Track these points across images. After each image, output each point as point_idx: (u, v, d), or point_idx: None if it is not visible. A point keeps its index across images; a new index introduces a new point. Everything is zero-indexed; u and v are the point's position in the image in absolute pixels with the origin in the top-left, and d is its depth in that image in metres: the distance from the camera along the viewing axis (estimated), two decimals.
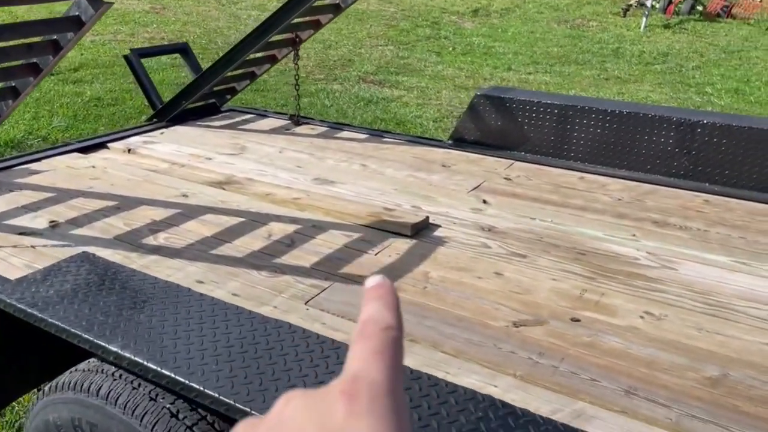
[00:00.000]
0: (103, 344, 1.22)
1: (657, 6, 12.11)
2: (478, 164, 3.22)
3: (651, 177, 2.98)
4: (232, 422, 1.32)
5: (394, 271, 2.16)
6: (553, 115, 3.20)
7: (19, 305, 1.38)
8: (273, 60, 3.82)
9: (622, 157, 3.07)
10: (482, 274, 2.15)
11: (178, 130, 3.72)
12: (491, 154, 3.33)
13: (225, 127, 3.79)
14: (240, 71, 3.81)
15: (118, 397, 1.30)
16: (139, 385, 1.32)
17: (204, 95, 3.79)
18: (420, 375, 1.16)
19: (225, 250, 2.28)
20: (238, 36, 10.15)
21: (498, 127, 3.35)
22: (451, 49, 10.01)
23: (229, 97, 4.08)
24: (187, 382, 1.12)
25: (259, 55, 3.70)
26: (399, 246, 2.35)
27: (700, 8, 12.30)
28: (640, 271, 2.18)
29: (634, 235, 2.45)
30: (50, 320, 1.32)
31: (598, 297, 2.02)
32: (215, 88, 3.80)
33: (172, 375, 1.15)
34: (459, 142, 3.48)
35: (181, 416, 1.25)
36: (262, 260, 2.22)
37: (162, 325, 1.30)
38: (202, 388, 1.10)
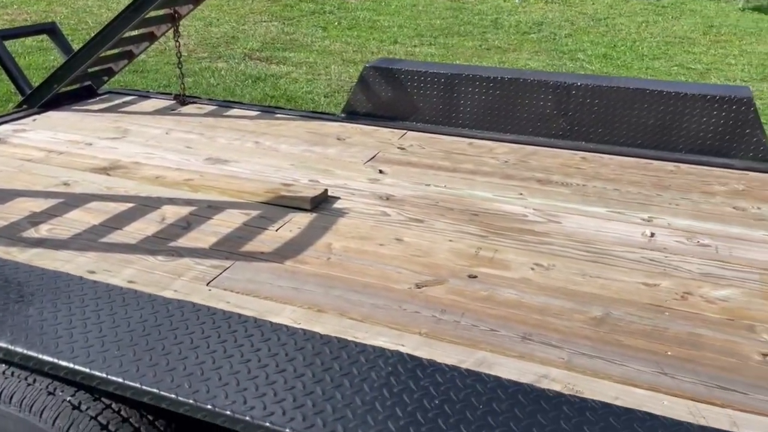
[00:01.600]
0: None
1: None
2: (372, 135, 3.26)
3: (533, 139, 3.15)
4: (142, 407, 1.28)
5: (295, 245, 2.17)
6: (440, 84, 3.29)
7: None
8: (152, 37, 3.64)
9: (506, 122, 3.21)
10: (383, 241, 2.20)
11: (52, 116, 3.48)
12: (384, 125, 3.38)
13: (104, 111, 3.59)
14: (116, 50, 3.61)
15: (12, 396, 1.23)
16: (35, 380, 1.25)
17: (78, 77, 3.55)
18: (330, 339, 1.19)
19: (116, 237, 2.18)
20: (110, 14, 9.54)
21: (389, 98, 3.40)
22: (336, 23, 9.95)
23: (106, 78, 3.85)
24: (88, 370, 1.08)
25: (136, 32, 3.52)
26: (299, 220, 2.35)
27: None
28: (529, 227, 2.31)
29: (521, 194, 2.59)
30: None
31: (491, 254, 2.12)
32: (90, 70, 3.58)
33: (71, 365, 1.10)
34: (352, 114, 3.50)
35: (83, 407, 1.21)
36: (157, 245, 2.14)
37: (55, 316, 1.23)
38: (105, 375, 1.07)
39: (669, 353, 1.63)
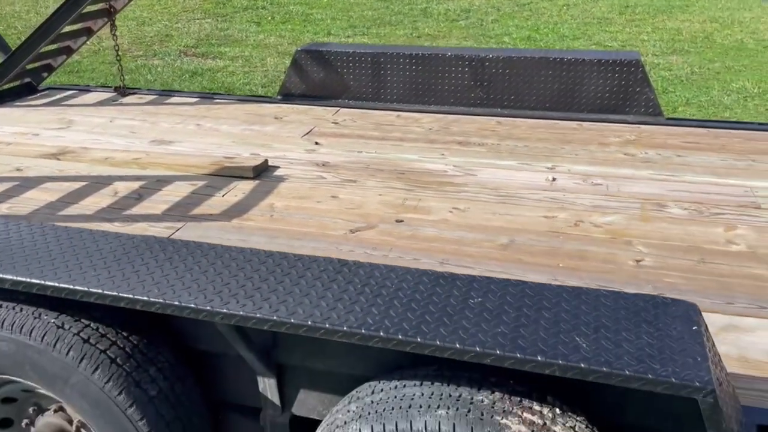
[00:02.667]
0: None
1: None
2: (307, 114, 3.51)
3: (454, 108, 3.46)
4: (116, 323, 1.52)
5: (241, 207, 2.41)
6: (368, 63, 3.56)
7: None
8: (89, 32, 3.79)
9: (429, 95, 3.51)
10: (320, 199, 2.47)
11: None
12: (318, 104, 3.64)
13: (47, 105, 3.72)
14: (55, 46, 3.74)
15: (2, 321, 1.44)
16: (21, 309, 1.46)
17: (18, 74, 3.66)
18: (272, 253, 1.44)
19: (72, 211, 2.37)
20: (39, 18, 9.42)
21: (321, 79, 3.65)
22: (270, 18, 10.10)
23: (45, 75, 3.96)
24: (71, 287, 1.31)
25: (74, 27, 3.65)
26: (243, 187, 2.59)
27: None
28: (448, 180, 2.62)
29: (442, 155, 2.89)
30: None
31: (416, 203, 2.42)
32: (29, 66, 3.69)
33: (55, 284, 1.32)
34: (287, 96, 3.74)
35: (66, 326, 1.43)
36: (112, 214, 2.35)
37: (50, 254, 1.45)
38: (86, 288, 1.30)
39: (561, 265, 1.96)
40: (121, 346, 1.47)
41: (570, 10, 10.83)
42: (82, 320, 1.47)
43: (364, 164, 2.81)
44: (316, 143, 3.07)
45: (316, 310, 1.26)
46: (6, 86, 3.68)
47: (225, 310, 1.25)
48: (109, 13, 3.67)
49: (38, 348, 1.42)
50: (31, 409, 1.65)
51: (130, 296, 1.28)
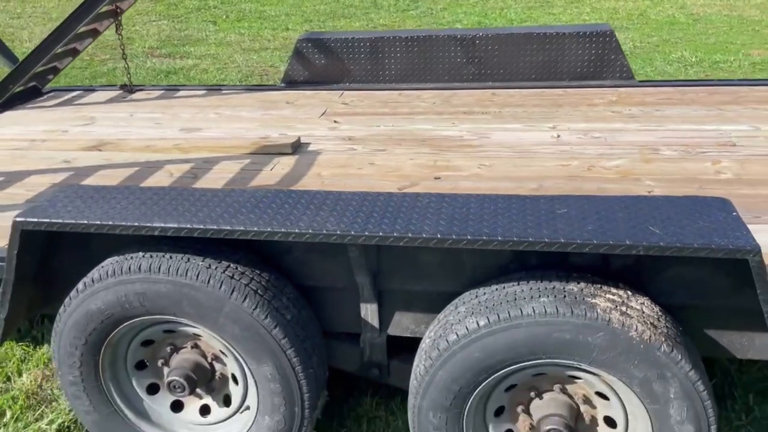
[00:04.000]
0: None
1: None
2: (315, 98, 3.78)
3: (450, 84, 3.80)
4: (251, 264, 1.79)
5: (292, 178, 2.68)
6: (366, 48, 3.86)
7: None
8: (95, 33, 3.93)
9: (426, 74, 3.84)
10: (360, 166, 2.76)
11: (10, 115, 3.70)
12: (322, 89, 3.91)
13: (59, 105, 3.85)
14: (62, 49, 3.87)
15: (159, 267, 1.68)
16: (171, 257, 1.71)
17: (28, 78, 3.78)
18: (387, 193, 1.76)
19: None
20: (36, 30, 9.24)
21: (323, 65, 3.92)
22: (224, 17, 10.19)
23: (51, 77, 4.09)
24: (215, 227, 1.58)
25: (82, 29, 3.80)
26: (286, 162, 2.85)
27: None
28: (467, 143, 2.95)
29: (453, 123, 3.23)
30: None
31: (446, 163, 2.75)
32: (38, 69, 3.82)
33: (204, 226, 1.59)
34: (291, 83, 3.99)
35: (213, 267, 1.68)
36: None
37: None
38: (230, 228, 1.58)
39: None
40: (258, 281, 1.74)
41: None
42: (224, 262, 1.73)
43: (386, 135, 3.11)
44: (335, 122, 3.36)
45: (450, 226, 1.58)
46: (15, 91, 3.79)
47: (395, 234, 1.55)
48: (116, 14, 3.83)
49: (194, 285, 1.68)
50: (168, 348, 1.90)
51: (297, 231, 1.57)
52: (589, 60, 3.67)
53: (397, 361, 2.02)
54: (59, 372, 1.88)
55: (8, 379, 2.45)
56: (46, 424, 2.18)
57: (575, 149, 2.80)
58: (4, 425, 2.20)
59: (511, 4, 10.70)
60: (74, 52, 4.00)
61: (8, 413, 2.25)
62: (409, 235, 1.56)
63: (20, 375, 2.45)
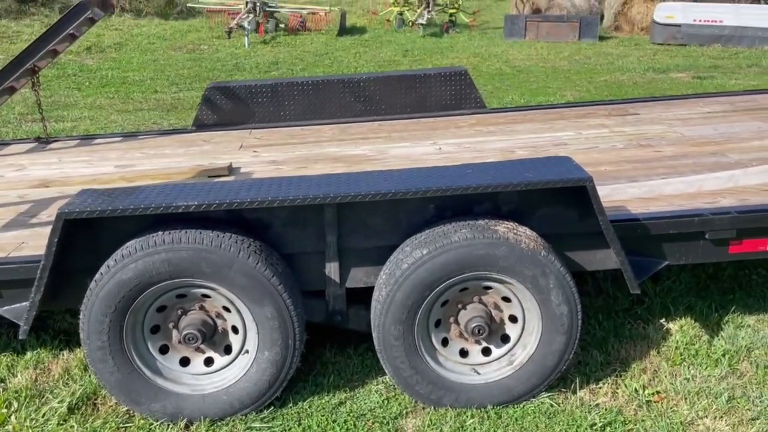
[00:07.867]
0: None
1: (249, 28, 14.04)
2: (229, 136, 4.34)
3: (344, 120, 4.55)
4: (247, 232, 2.36)
5: None
6: (268, 93, 4.52)
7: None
8: (12, 91, 4.21)
9: (321, 112, 4.57)
10: None
11: None
12: (231, 130, 4.48)
13: None
14: None
15: (180, 238, 2.18)
16: (188, 232, 2.21)
17: None
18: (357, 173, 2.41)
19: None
20: None
21: (230, 109, 4.51)
22: (87, 83, 10.29)
23: None
24: (237, 200, 2.16)
25: None
26: (228, 181, 3.40)
27: (282, 26, 14.81)
28: (372, 158, 3.70)
29: (356, 145, 3.96)
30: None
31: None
32: None
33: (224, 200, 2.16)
34: (201, 127, 4.52)
35: (221, 236, 2.23)
36: None
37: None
38: (239, 200, 2.17)
39: None
40: (256, 244, 2.31)
41: (363, 56, 12.60)
42: (227, 232, 2.28)
43: (304, 157, 3.77)
44: (255, 151, 3.96)
45: (398, 185, 2.28)
46: None
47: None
48: (33, 72, 4.16)
49: (210, 249, 2.21)
50: (179, 311, 2.37)
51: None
52: (451, 94, 4.62)
53: (354, 309, 2.64)
54: (87, 341, 2.28)
55: (2, 380, 2.70)
56: (58, 403, 2.50)
57: (455, 155, 3.65)
58: (16, 411, 2.48)
59: (362, 63, 11.89)
60: None
61: (14, 404, 2.52)
62: (372, 192, 2.24)
63: (15, 376, 2.71)
